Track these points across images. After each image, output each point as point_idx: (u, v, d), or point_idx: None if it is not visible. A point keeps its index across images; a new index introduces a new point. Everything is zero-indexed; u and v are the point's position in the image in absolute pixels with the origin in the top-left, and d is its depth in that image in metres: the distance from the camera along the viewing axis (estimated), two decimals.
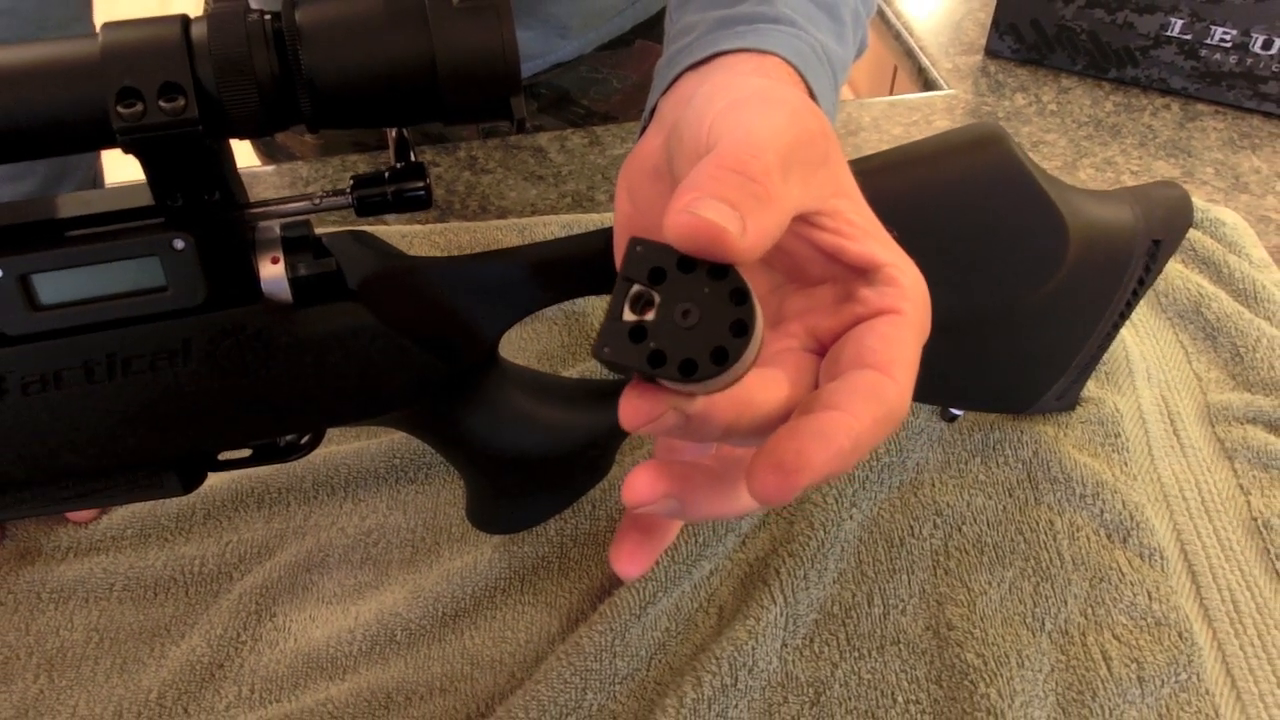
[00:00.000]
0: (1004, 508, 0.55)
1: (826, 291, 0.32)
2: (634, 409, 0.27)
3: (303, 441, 0.45)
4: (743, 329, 0.25)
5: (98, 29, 0.32)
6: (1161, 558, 0.52)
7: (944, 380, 0.54)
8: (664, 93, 0.41)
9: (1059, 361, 0.54)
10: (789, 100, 0.32)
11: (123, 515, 0.55)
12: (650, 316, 0.26)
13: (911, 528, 0.54)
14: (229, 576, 0.53)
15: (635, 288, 0.26)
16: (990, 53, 0.91)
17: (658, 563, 0.50)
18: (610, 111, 0.89)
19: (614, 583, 0.51)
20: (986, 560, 0.53)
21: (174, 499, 0.54)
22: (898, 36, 0.98)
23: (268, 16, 0.32)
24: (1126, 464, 0.57)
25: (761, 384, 0.29)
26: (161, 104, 0.30)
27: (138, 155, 0.32)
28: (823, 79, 0.41)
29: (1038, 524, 0.54)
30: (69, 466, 0.38)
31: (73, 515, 0.54)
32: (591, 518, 0.54)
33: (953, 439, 0.58)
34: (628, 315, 0.26)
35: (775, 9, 0.43)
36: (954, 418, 0.58)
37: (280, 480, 0.56)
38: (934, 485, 0.56)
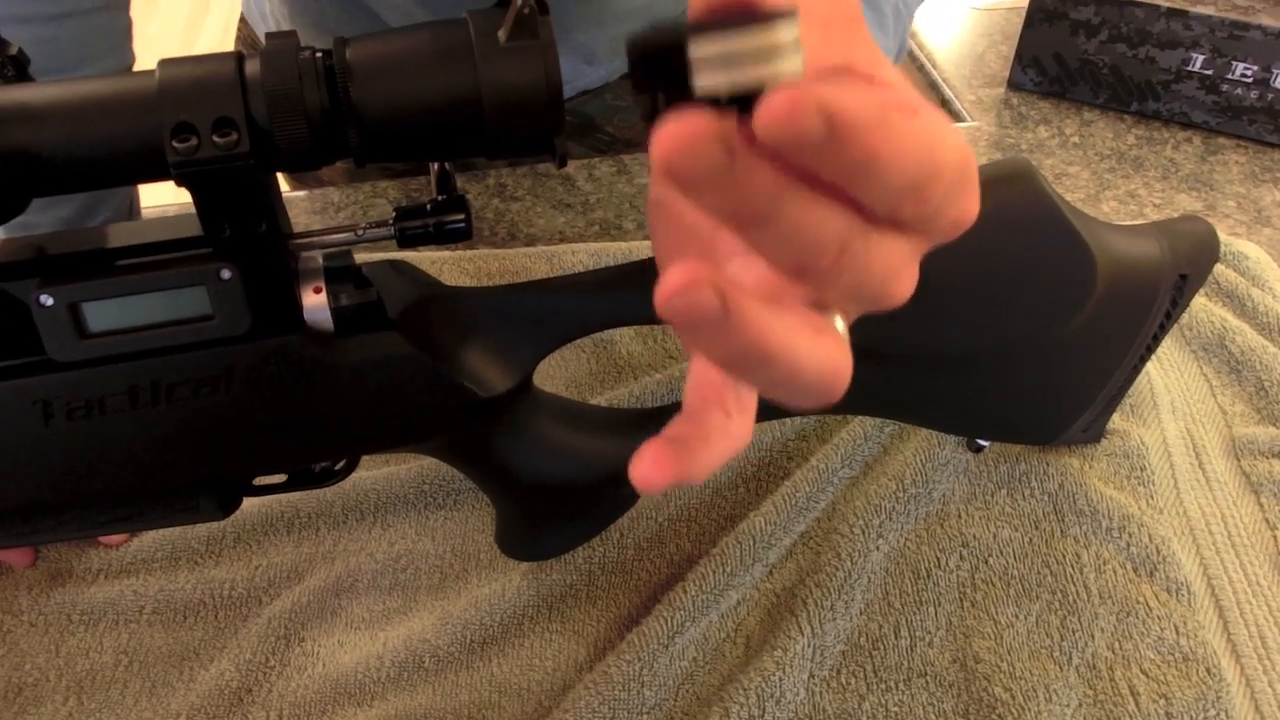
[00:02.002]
0: (1030, 540, 0.55)
1: None
2: (673, 132, 0.22)
3: (337, 467, 0.45)
4: (787, 12, 0.22)
5: (134, 54, 0.32)
6: (1189, 592, 0.52)
7: (971, 411, 0.55)
8: None
9: (1085, 394, 0.54)
10: None
11: (153, 538, 0.55)
12: (683, 19, 0.22)
13: (938, 559, 0.54)
14: (258, 600, 0.53)
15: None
16: (1013, 85, 0.92)
17: (685, 591, 0.51)
18: (634, 138, 0.90)
19: (642, 612, 0.52)
20: (1013, 593, 0.52)
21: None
22: (921, 68, 0.99)
23: (319, 54, 0.33)
24: (1152, 497, 0.57)
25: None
26: (215, 138, 0.31)
27: (189, 187, 0.32)
28: None
29: (1064, 557, 0.54)
30: (109, 491, 0.39)
31: (105, 538, 0.55)
32: (619, 546, 0.54)
33: (979, 470, 0.58)
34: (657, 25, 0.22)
35: None
36: (980, 449, 0.59)
37: (310, 505, 0.57)
38: (960, 517, 0.56)
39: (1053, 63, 0.89)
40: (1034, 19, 0.88)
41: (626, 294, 0.42)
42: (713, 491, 0.57)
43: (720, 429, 0.28)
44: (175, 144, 0.31)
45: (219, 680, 0.50)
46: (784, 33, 0.22)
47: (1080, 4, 0.84)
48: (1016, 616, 0.51)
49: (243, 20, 0.92)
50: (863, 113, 0.21)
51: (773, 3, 0.22)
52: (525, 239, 0.76)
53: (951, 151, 0.24)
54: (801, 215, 0.24)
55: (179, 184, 0.32)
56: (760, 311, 0.23)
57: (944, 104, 0.94)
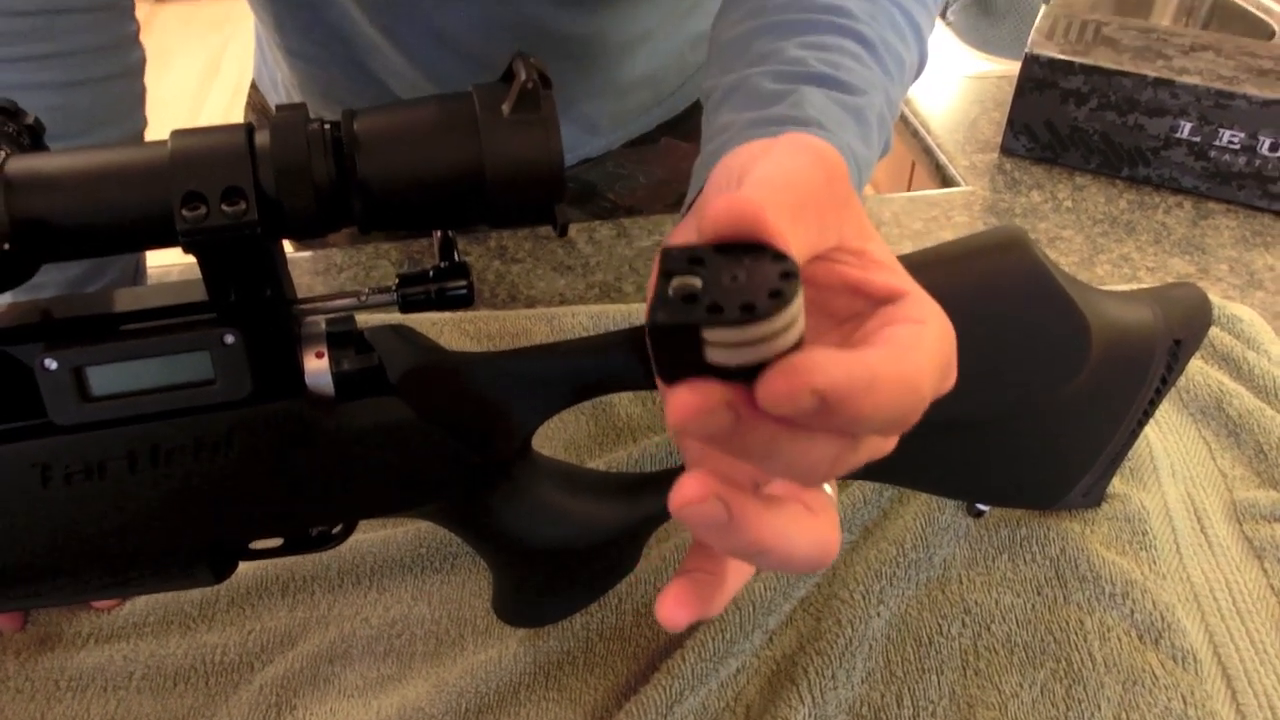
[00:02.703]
0: (1033, 606, 0.54)
1: (853, 326, 0.33)
2: (683, 402, 0.26)
3: (335, 531, 0.45)
4: (791, 276, 0.25)
5: (147, 119, 0.33)
6: (1195, 660, 0.51)
7: (971, 475, 0.54)
8: (701, 190, 0.42)
9: (1084, 458, 0.55)
10: (813, 144, 0.33)
11: (145, 602, 0.55)
12: (698, 290, 0.26)
13: (940, 626, 0.54)
14: (250, 666, 0.53)
15: (676, 279, 0.26)
16: (1005, 151, 0.93)
17: (684, 659, 0.50)
18: (635, 205, 0.91)
19: (640, 680, 0.51)
20: (1017, 661, 0.52)
21: None
22: (915, 134, 1.00)
23: (327, 125, 0.33)
24: (1155, 562, 0.56)
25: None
26: (223, 207, 0.31)
27: (197, 254, 0.33)
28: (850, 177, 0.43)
29: (1068, 623, 0.53)
30: (104, 555, 0.39)
31: (96, 602, 0.54)
32: (618, 612, 0.54)
33: (980, 535, 0.58)
34: (672, 294, 0.26)
35: (804, 113, 0.44)
36: (980, 513, 0.58)
37: (305, 568, 0.56)
38: (962, 582, 0.56)
39: (1044, 129, 0.90)
40: (1025, 87, 0.89)
41: (627, 359, 0.42)
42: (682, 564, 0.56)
43: (736, 567, 0.34)
44: (184, 212, 0.31)
45: None
46: (785, 318, 0.25)
47: (1069, 73, 0.86)
48: (1021, 685, 0.51)
49: (254, 86, 0.94)
50: (850, 385, 0.25)
51: (777, 244, 0.26)
52: (525, 301, 0.76)
53: (934, 373, 0.29)
54: (798, 451, 0.28)
55: (187, 251, 0.32)
56: (759, 513, 0.28)
57: (938, 169, 0.96)
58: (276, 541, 0.45)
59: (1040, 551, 0.57)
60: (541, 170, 0.33)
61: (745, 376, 0.26)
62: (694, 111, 0.89)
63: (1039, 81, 0.87)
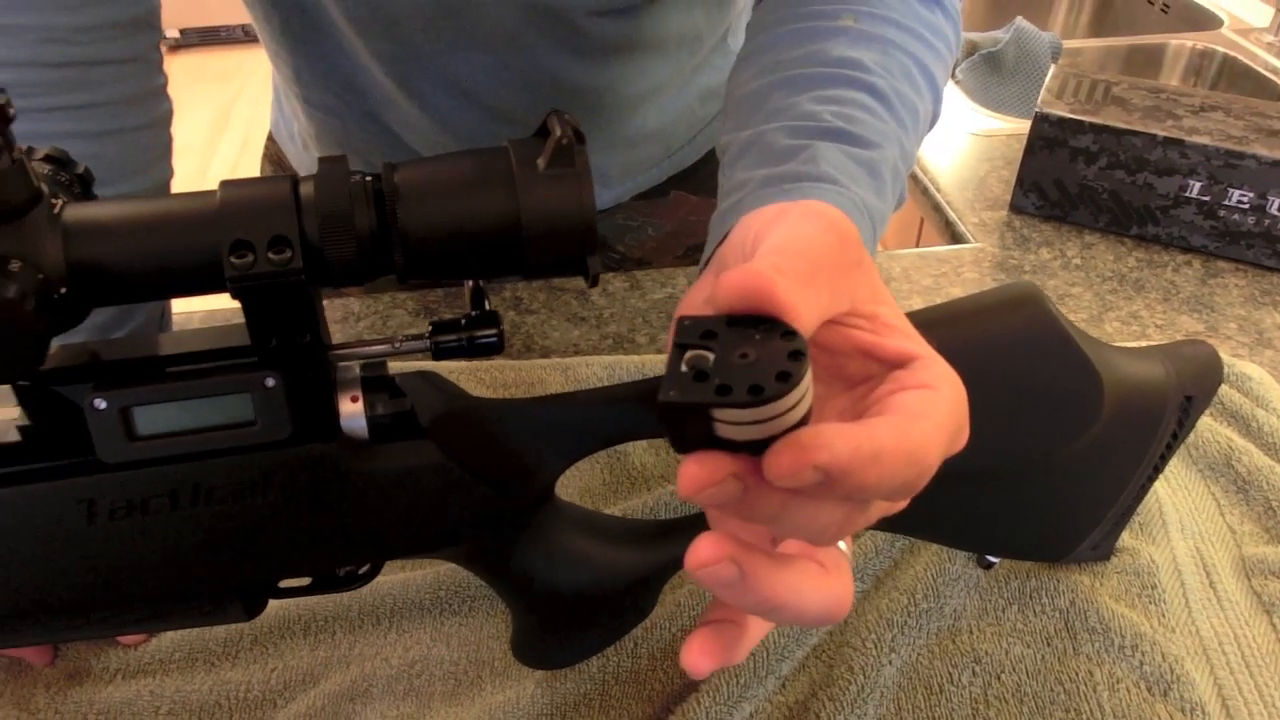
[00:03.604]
0: (1042, 657, 0.55)
1: (865, 389, 0.34)
2: (694, 474, 0.28)
3: (361, 571, 0.46)
4: (799, 355, 0.27)
5: (173, 169, 0.34)
6: (1203, 713, 0.52)
7: (981, 528, 0.55)
8: (719, 245, 0.43)
9: (1095, 512, 0.55)
10: (825, 212, 0.35)
11: (172, 639, 0.56)
12: (709, 366, 0.27)
13: (950, 675, 0.54)
14: (273, 704, 0.54)
15: (689, 352, 0.28)
16: (1015, 208, 0.95)
17: (699, 703, 0.51)
18: (644, 257, 0.93)
19: None
20: (1027, 710, 0.53)
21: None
22: (925, 191, 1.02)
23: (368, 177, 0.35)
24: (1164, 615, 0.57)
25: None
26: (270, 255, 0.33)
27: (242, 300, 0.34)
28: (864, 231, 0.44)
29: (1077, 674, 0.54)
30: (141, 591, 0.40)
31: (124, 638, 0.55)
32: (634, 656, 0.55)
33: (989, 586, 0.59)
34: (685, 369, 0.28)
35: (819, 168, 0.46)
36: (990, 565, 0.59)
37: (327, 608, 0.57)
38: (972, 632, 0.56)
39: (1053, 188, 0.92)
40: (1034, 146, 0.91)
41: (647, 410, 0.44)
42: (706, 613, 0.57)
43: (757, 618, 0.35)
44: (233, 260, 0.33)
45: None
46: (792, 398, 0.27)
47: (1079, 132, 0.88)
48: None
49: (270, 138, 0.96)
50: (854, 459, 0.27)
51: (788, 318, 0.28)
52: (540, 351, 0.78)
53: (943, 440, 0.31)
54: (806, 517, 0.30)
55: (234, 296, 0.34)
56: (771, 573, 0.30)
57: (947, 225, 0.98)
58: (304, 580, 0.46)
59: (1050, 603, 0.58)
60: (575, 223, 0.34)
61: (754, 449, 0.28)
62: (703, 165, 0.91)
63: (1049, 140, 0.89)
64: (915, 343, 0.34)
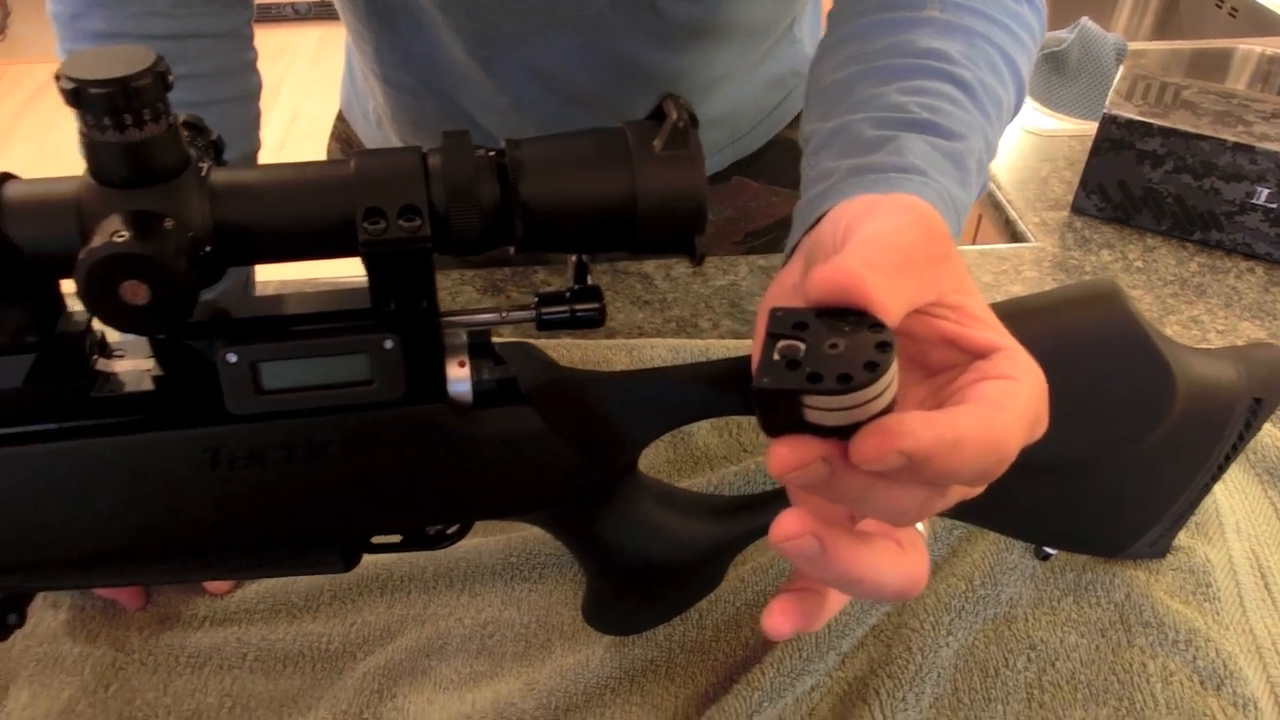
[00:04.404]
0: (1096, 647, 0.56)
1: (948, 377, 0.36)
2: (784, 455, 0.30)
3: (450, 532, 0.48)
4: (886, 346, 0.29)
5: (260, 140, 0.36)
6: (1256, 709, 0.53)
7: (1042, 519, 0.57)
8: (806, 232, 0.45)
9: (1155, 510, 0.57)
10: (914, 204, 0.37)
11: (256, 589, 0.58)
12: (800, 355, 0.29)
13: (1006, 660, 0.56)
14: (352, 656, 0.56)
15: (781, 341, 0.30)
16: (1076, 210, 0.96)
17: (763, 673, 0.53)
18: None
19: (719, 691, 0.54)
20: (1081, 697, 0.54)
21: (303, 579, 0.58)
22: (985, 187, 1.03)
23: (491, 152, 0.37)
24: (1218, 613, 0.58)
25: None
26: (401, 222, 0.35)
27: (370, 264, 0.36)
28: (949, 222, 0.45)
29: (1131, 665, 0.55)
30: (251, 538, 0.42)
31: (211, 586, 0.58)
32: (699, 626, 0.57)
33: (1045, 577, 0.60)
34: (777, 358, 0.30)
35: (905, 159, 0.46)
36: (1047, 556, 0.60)
37: (403, 569, 0.59)
38: (1027, 620, 0.58)
39: (1117, 190, 0.92)
40: (1101, 147, 0.92)
41: (732, 389, 0.45)
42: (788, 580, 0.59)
43: (836, 593, 0.37)
44: (366, 225, 0.35)
45: None
46: (879, 387, 0.29)
47: (1147, 135, 0.88)
48: None
49: (340, 117, 0.98)
50: (937, 446, 0.29)
51: (876, 312, 0.30)
52: (605, 331, 0.80)
53: (1022, 430, 0.32)
54: (888, 498, 0.31)
55: (364, 260, 0.36)
56: (851, 549, 0.32)
57: (1007, 224, 0.98)
58: (396, 538, 0.48)
59: (1105, 596, 0.59)
60: (688, 204, 0.36)
61: (841, 434, 0.30)
62: (765, 152, 0.92)
63: (1116, 142, 0.90)
64: (999, 334, 0.35)
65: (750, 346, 0.76)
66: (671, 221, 0.36)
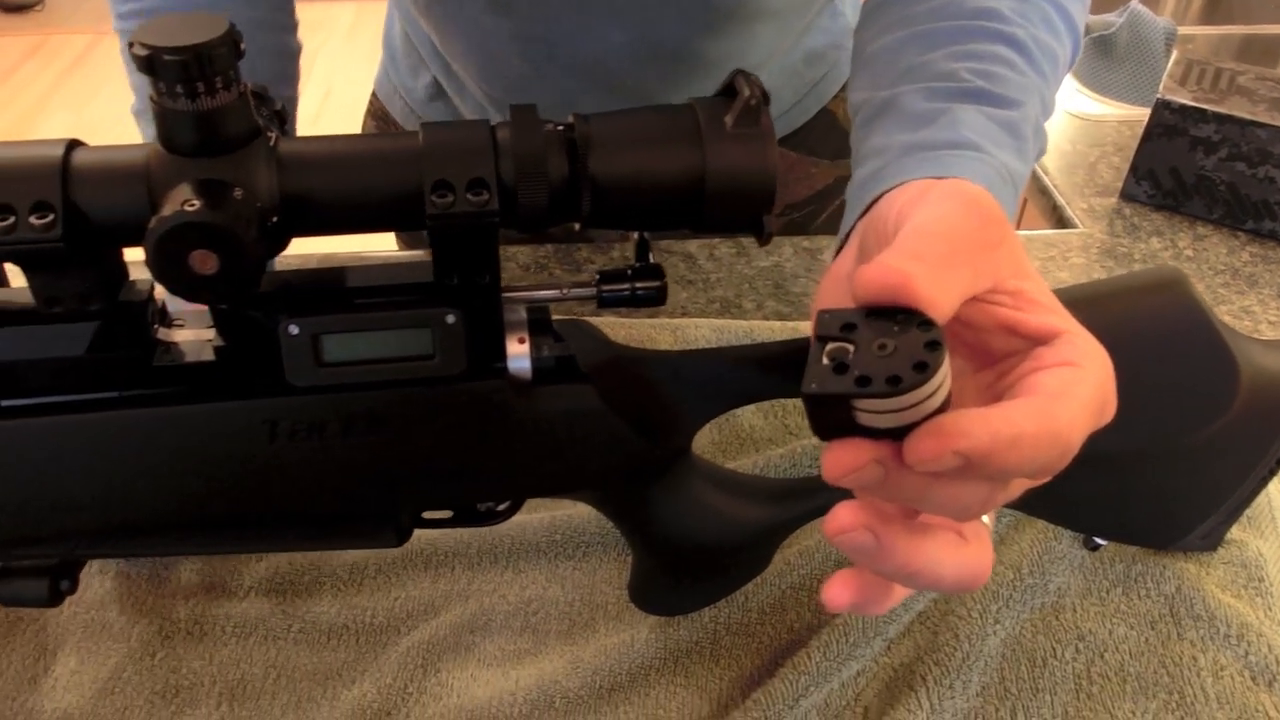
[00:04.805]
0: (1146, 639, 0.56)
1: (1009, 365, 0.35)
2: (837, 459, 0.30)
3: (500, 508, 0.48)
4: (936, 345, 0.28)
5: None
6: None
7: (1094, 510, 0.56)
8: (861, 216, 0.44)
9: (1210, 502, 0.56)
10: (966, 190, 0.36)
11: (299, 562, 0.58)
12: (849, 358, 0.29)
13: (1054, 649, 0.55)
14: (396, 630, 0.56)
15: (829, 344, 0.29)
16: (1126, 196, 0.94)
17: (809, 656, 0.52)
18: None
19: (763, 674, 0.53)
20: (1130, 690, 0.53)
21: (348, 552, 0.58)
22: (1032, 174, 1.02)
23: (560, 126, 0.36)
24: (1270, 609, 0.57)
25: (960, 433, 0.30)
26: (469, 196, 0.34)
27: (436, 238, 0.36)
28: (1006, 197, 0.44)
29: (1181, 658, 0.54)
30: (307, 510, 0.42)
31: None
32: (744, 609, 0.56)
33: (1094, 567, 0.59)
34: (825, 361, 0.29)
35: (960, 134, 0.45)
36: (1097, 547, 0.60)
37: (447, 544, 0.59)
38: (1075, 610, 0.57)
39: (1168, 176, 0.91)
40: (1153, 133, 0.90)
41: (791, 372, 0.45)
42: (834, 564, 0.59)
43: (899, 592, 0.36)
44: (434, 198, 0.34)
45: (361, 701, 0.52)
46: (929, 387, 0.28)
47: (1201, 121, 0.87)
48: (1133, 713, 0.52)
49: (374, 95, 0.97)
50: (993, 444, 0.28)
51: (925, 311, 0.29)
52: (648, 310, 0.79)
53: (1086, 418, 0.31)
54: (947, 496, 0.31)
55: (430, 233, 0.35)
56: (907, 542, 0.31)
57: (1054, 209, 0.97)
58: (447, 513, 0.48)
59: (1155, 588, 0.58)
60: (757, 182, 0.35)
61: (894, 435, 0.29)
62: (808, 128, 0.90)
63: (1168, 127, 0.88)
64: (1060, 318, 0.34)
65: (796, 328, 0.76)
66: (740, 200, 0.36)
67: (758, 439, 0.67)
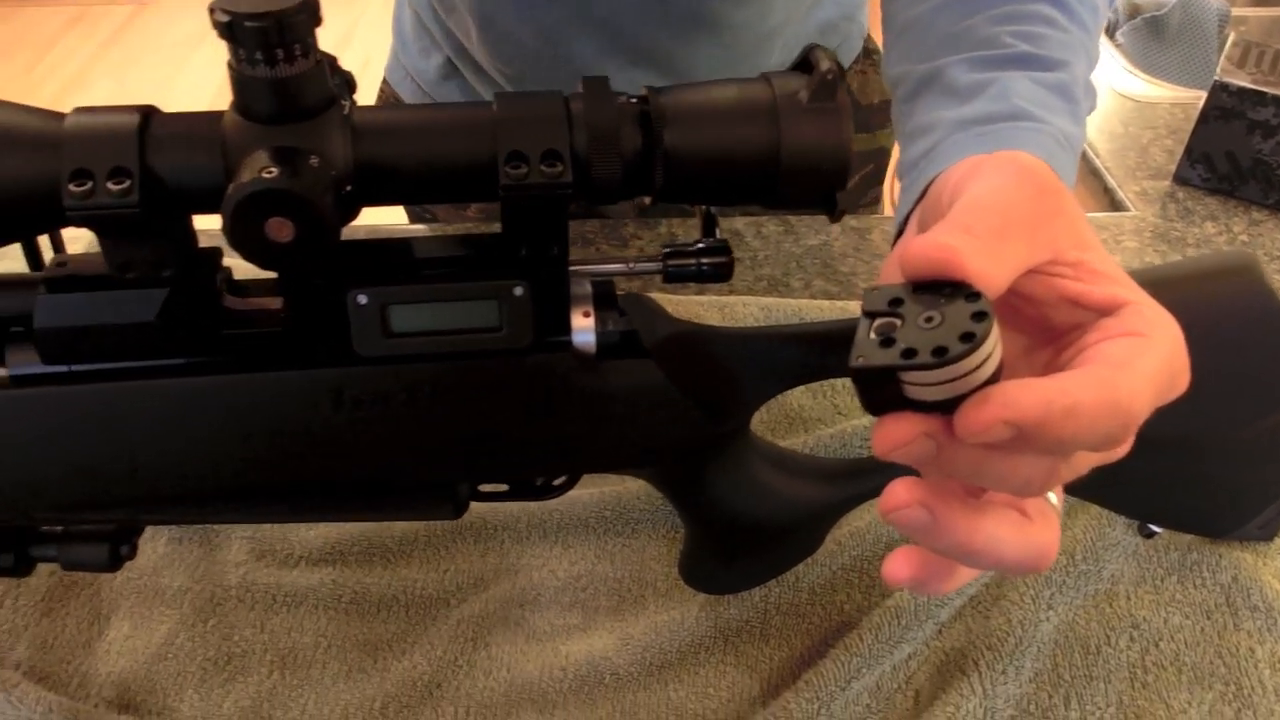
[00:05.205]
0: (1202, 629, 0.55)
1: (1073, 338, 0.34)
2: (886, 434, 0.29)
3: (557, 483, 0.48)
4: (983, 315, 0.28)
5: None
6: None
7: (1151, 496, 0.55)
8: (918, 202, 0.43)
9: (1270, 491, 0.55)
10: (1019, 160, 0.35)
11: (349, 532, 0.58)
12: (895, 331, 0.28)
13: (1107, 637, 0.55)
14: (445, 602, 0.56)
15: (877, 320, 0.29)
16: (1179, 179, 0.93)
17: (861, 639, 0.52)
18: None
19: (815, 655, 0.53)
20: (1185, 680, 0.53)
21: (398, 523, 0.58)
22: (1083, 155, 1.00)
23: (633, 99, 0.36)
24: None
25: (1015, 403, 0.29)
26: (543, 168, 0.34)
27: (507, 210, 0.36)
28: (1065, 164, 0.42)
29: (1238, 649, 0.54)
30: (367, 480, 0.42)
31: None
32: (794, 589, 0.56)
33: (1149, 555, 0.59)
34: (872, 336, 0.29)
35: (1012, 104, 0.43)
36: (1152, 534, 0.59)
37: (496, 518, 0.59)
38: (1130, 598, 0.56)
39: (1224, 160, 0.89)
40: (1209, 116, 0.88)
41: (846, 351, 0.44)
42: (885, 546, 0.58)
43: (965, 573, 0.35)
44: (508, 169, 0.34)
45: (412, 672, 0.52)
46: (977, 358, 0.27)
47: (1260, 104, 0.85)
48: (1189, 704, 0.52)
49: (385, 83, 0.97)
50: (1047, 414, 0.27)
51: (974, 281, 0.29)
52: (695, 288, 0.79)
53: (1152, 389, 0.30)
54: (1005, 470, 0.30)
55: (503, 205, 0.35)
56: (965, 520, 0.30)
57: (1106, 192, 0.96)
58: (503, 486, 0.48)
59: (1211, 577, 0.57)
60: (832, 158, 0.35)
61: (945, 409, 0.29)
62: None
63: (1225, 110, 0.87)
64: (1125, 288, 0.33)
65: (844, 308, 0.75)
66: (814, 176, 0.35)
67: (807, 418, 0.67)
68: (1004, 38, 0.46)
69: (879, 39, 0.58)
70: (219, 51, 0.31)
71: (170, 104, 0.35)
